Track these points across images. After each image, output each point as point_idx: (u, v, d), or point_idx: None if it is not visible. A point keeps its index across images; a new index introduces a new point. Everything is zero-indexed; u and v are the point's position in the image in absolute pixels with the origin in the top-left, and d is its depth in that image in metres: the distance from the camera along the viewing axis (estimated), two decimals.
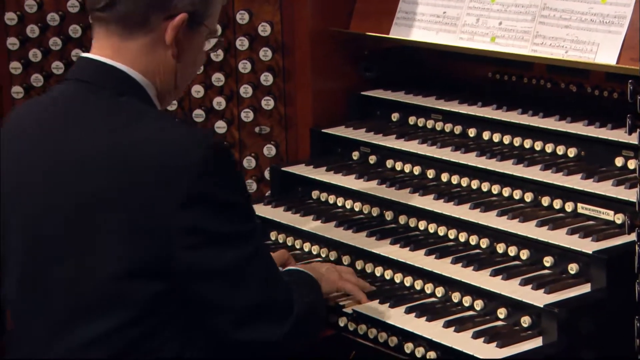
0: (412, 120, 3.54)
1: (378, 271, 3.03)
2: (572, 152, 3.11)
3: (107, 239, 2.40)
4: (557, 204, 2.98)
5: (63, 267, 2.46)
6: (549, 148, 3.16)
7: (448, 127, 3.43)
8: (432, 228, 3.10)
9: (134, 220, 2.38)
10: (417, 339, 2.73)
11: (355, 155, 3.55)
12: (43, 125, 2.57)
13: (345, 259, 3.12)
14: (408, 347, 2.75)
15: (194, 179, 2.36)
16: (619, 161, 3.01)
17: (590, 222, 2.89)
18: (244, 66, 3.58)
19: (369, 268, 3.06)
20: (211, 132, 2.55)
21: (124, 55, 2.53)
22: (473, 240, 2.99)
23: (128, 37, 2.52)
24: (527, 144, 3.21)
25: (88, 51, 2.46)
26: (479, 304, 2.79)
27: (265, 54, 3.56)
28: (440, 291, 2.89)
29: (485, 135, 3.32)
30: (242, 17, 3.55)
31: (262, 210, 3.41)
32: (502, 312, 2.74)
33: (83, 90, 2.54)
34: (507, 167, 3.12)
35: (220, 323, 2.48)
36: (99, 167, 2.41)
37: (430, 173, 3.30)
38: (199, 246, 2.39)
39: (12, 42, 3.66)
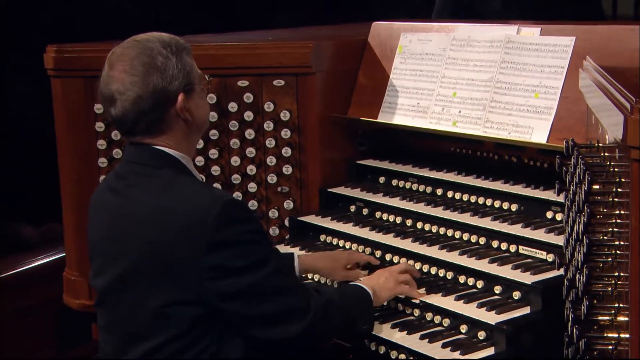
0: (394, 182, 3.52)
1: None
2: (514, 207, 3.08)
3: (153, 279, 2.39)
4: (503, 246, 2.95)
5: (124, 303, 2.46)
6: (497, 204, 3.13)
7: (421, 188, 3.40)
8: (410, 264, 3.05)
9: (172, 263, 2.36)
10: (400, 348, 2.69)
11: (352, 208, 3.52)
12: (107, 196, 2.57)
13: None
14: (393, 354, 2.71)
15: (212, 231, 2.34)
16: (549, 214, 2.98)
17: (529, 260, 2.85)
18: (270, 142, 3.57)
19: None
20: (224, 193, 2.53)
21: (156, 140, 2.51)
22: (441, 272, 2.96)
23: (155, 136, 2.50)
24: (480, 200, 3.18)
25: None
26: (446, 322, 2.76)
27: (286, 133, 3.55)
28: (417, 312, 2.85)
29: (449, 194, 3.30)
30: (268, 106, 3.55)
31: (283, 249, 3.36)
32: (463, 328, 2.70)
33: (131, 168, 2.53)
34: (466, 218, 3.09)
35: (249, 329, 2.44)
36: (145, 227, 2.41)
37: (409, 222, 3.27)
38: (222, 278, 2.36)
39: (99, 126, 3.65)
